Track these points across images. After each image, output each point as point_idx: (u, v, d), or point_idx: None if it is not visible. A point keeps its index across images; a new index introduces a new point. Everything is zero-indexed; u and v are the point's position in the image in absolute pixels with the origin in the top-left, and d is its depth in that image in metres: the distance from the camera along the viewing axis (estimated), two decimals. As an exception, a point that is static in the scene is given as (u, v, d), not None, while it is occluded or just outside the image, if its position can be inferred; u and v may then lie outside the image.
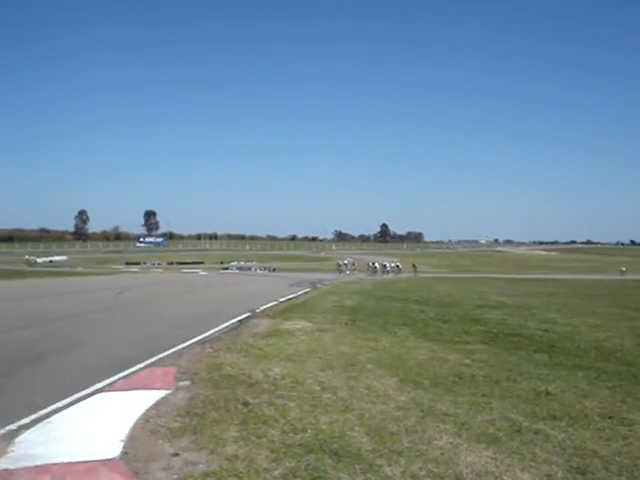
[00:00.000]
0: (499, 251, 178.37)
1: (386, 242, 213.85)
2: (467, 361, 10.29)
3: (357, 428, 6.05)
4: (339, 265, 70.16)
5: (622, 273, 67.17)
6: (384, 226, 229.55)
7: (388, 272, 65.76)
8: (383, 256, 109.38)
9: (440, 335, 13.74)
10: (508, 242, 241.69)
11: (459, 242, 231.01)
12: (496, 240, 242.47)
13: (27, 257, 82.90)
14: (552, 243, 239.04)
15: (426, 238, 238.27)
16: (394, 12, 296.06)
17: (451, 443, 5.68)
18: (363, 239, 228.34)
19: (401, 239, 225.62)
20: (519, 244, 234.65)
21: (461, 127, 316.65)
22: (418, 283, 42.00)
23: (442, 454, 5.38)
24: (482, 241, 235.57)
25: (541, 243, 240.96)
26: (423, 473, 4.95)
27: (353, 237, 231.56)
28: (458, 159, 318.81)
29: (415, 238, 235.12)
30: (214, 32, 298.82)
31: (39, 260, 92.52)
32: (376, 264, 68.55)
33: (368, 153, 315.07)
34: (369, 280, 46.20)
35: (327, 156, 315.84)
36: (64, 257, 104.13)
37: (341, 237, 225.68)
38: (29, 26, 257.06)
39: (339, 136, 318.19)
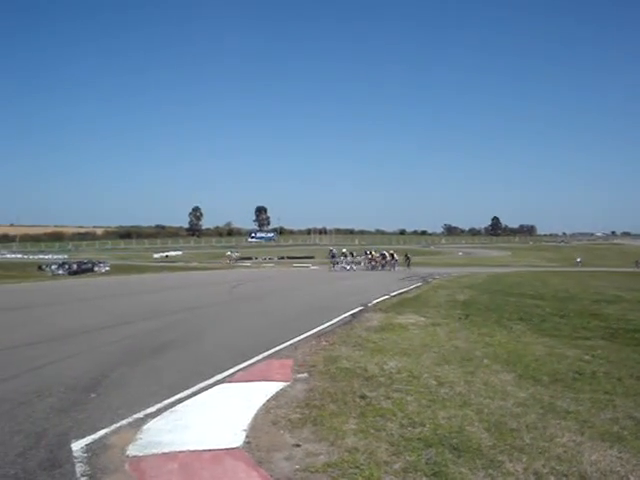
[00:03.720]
0: (616, 244, 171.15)
1: (497, 235, 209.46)
2: (587, 357, 9.94)
3: (476, 424, 5.96)
4: (333, 256, 56.26)
5: None
6: (495, 219, 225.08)
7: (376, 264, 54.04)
8: (495, 250, 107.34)
9: (557, 330, 13.33)
10: (626, 234, 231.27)
11: (573, 235, 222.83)
12: (613, 233, 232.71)
13: (229, 253, 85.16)
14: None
15: (539, 231, 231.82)
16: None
17: (574, 441, 5.51)
18: (473, 233, 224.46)
19: (513, 232, 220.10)
20: (638, 236, 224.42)
21: (572, 119, 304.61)
22: (532, 277, 40.95)
23: (565, 452, 5.23)
24: (598, 234, 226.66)
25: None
26: (546, 470, 4.82)
27: (463, 231, 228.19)
28: (573, 150, 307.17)
29: (527, 231, 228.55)
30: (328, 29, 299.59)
31: (156, 255, 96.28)
32: (374, 253, 56.85)
33: (478, 145, 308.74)
34: (480, 274, 45.31)
35: (437, 149, 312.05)
36: (179, 252, 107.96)
37: (451, 231, 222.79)
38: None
39: (450, 129, 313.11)
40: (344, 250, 58.02)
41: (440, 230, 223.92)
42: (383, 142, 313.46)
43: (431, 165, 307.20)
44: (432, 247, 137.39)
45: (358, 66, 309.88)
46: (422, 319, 14.53)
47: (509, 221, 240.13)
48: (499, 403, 6.77)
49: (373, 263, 55.29)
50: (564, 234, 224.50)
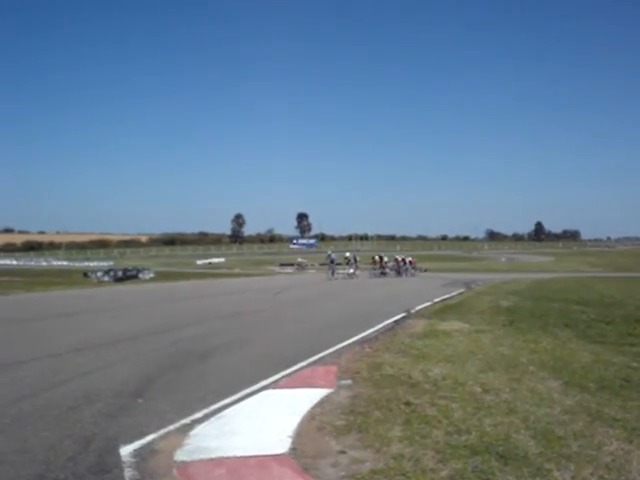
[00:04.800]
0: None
1: (541, 241, 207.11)
2: (634, 364, 9.74)
3: (522, 431, 5.90)
4: (332, 261, 49.53)
5: None
6: (538, 224, 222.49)
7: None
8: (538, 255, 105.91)
9: (603, 337, 13.10)
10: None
11: (618, 240, 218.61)
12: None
13: (299, 260, 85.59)
14: None
15: (583, 236, 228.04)
16: None
17: (622, 449, 5.41)
18: (516, 238, 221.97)
19: (556, 238, 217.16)
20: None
21: (614, 122, 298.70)
22: (576, 283, 40.34)
23: (613, 460, 5.14)
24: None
25: None
26: (594, 479, 4.76)
27: (506, 236, 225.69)
28: (618, 154, 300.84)
29: (571, 236, 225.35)
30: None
31: (199, 262, 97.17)
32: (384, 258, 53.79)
33: (521, 149, 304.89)
34: (523, 280, 44.72)
35: (478, 153, 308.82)
36: (222, 259, 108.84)
37: (493, 236, 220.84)
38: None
39: (492, 134, 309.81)
40: (347, 254, 54.06)
41: (482, 235, 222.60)
42: (425, 147, 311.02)
43: (473, 170, 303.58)
44: (475, 253, 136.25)
45: (397, 72, 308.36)
46: (466, 326, 14.40)
47: (552, 226, 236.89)
48: (545, 410, 6.68)
49: (381, 270, 52.85)
50: (609, 239, 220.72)
